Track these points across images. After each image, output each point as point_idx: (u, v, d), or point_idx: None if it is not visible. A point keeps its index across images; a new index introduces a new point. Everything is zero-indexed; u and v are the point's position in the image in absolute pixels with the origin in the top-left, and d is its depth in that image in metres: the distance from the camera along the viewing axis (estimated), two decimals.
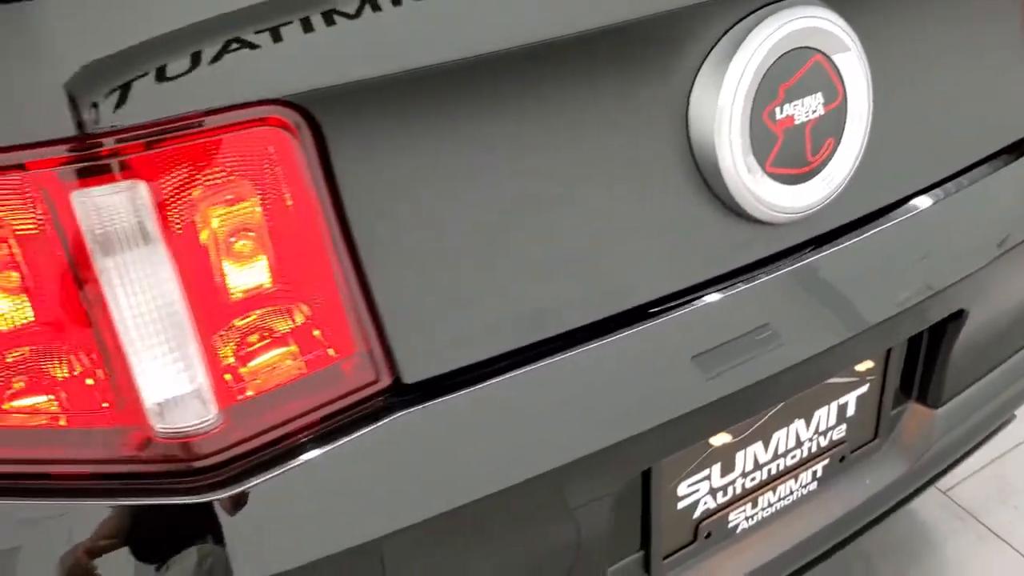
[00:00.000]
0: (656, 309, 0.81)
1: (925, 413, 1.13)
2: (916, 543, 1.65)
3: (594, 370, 0.78)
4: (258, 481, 0.67)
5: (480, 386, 0.74)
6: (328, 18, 0.62)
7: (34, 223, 0.61)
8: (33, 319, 0.64)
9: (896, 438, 1.13)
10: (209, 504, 0.66)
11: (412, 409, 0.72)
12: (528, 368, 0.76)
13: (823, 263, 0.88)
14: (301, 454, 0.69)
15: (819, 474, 1.07)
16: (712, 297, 0.82)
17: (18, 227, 0.62)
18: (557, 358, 0.76)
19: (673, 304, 0.81)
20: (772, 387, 0.87)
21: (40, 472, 0.66)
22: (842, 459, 1.08)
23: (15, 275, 0.63)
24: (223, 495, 0.66)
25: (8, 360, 0.64)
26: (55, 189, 0.60)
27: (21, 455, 0.66)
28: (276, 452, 0.69)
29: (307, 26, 0.61)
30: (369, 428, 0.71)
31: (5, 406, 0.65)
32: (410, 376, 0.72)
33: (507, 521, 0.79)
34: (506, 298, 0.75)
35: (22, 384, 0.65)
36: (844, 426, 1.06)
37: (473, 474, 0.75)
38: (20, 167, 0.60)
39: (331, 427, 0.70)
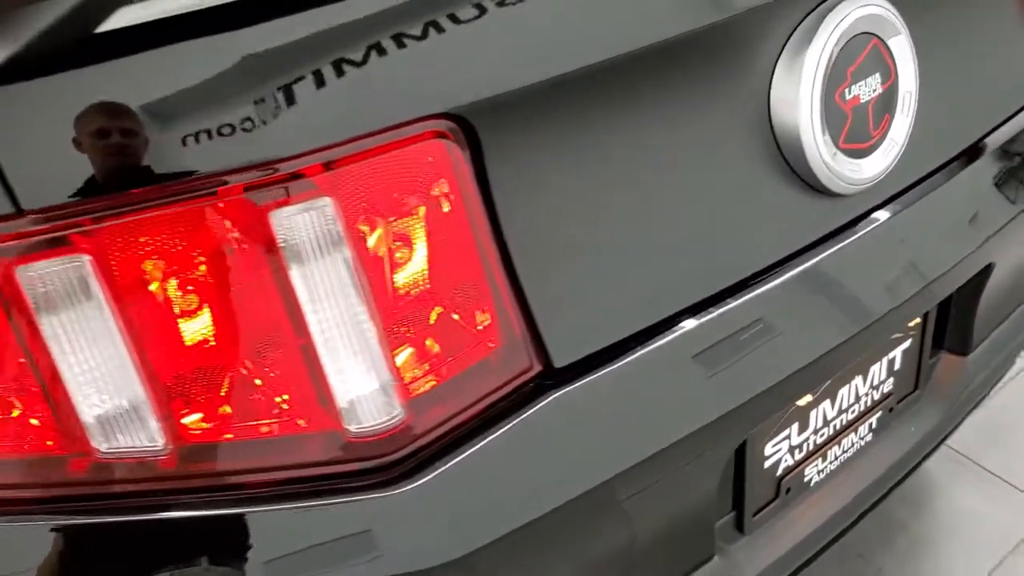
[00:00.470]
0: (755, 281, 0.88)
1: (957, 361, 1.23)
2: (921, 490, 1.77)
3: (711, 342, 0.85)
4: (439, 470, 0.72)
5: (616, 365, 0.80)
6: (486, 32, 0.67)
7: (228, 242, 0.65)
8: (214, 336, 0.67)
9: (933, 387, 1.22)
10: (400, 495, 0.71)
11: (563, 391, 0.77)
12: (654, 345, 0.82)
13: (888, 227, 0.96)
14: (470, 441, 0.74)
15: (873, 426, 1.16)
16: (802, 266, 0.90)
17: (205, 252, 0.65)
18: (679, 333, 0.83)
19: (768, 276, 0.89)
20: (853, 345, 0.94)
21: (252, 481, 0.70)
22: (890, 410, 1.17)
23: (193, 298, 0.67)
24: (411, 486, 0.71)
25: (223, 381, 0.67)
26: (251, 210, 0.64)
27: (231, 467, 0.69)
28: (450, 441, 0.74)
29: (468, 42, 0.67)
30: (526, 412, 0.76)
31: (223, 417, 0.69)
32: (559, 361, 0.77)
33: (639, 490, 0.85)
34: (633, 282, 0.81)
35: (230, 404, 0.68)
36: (892, 379, 1.15)
37: (616, 449, 0.80)
38: (213, 194, 0.64)
39: (494, 414, 0.75)
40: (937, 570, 1.62)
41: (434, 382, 0.73)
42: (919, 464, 1.25)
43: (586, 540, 0.83)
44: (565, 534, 0.80)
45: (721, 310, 0.85)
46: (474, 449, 0.73)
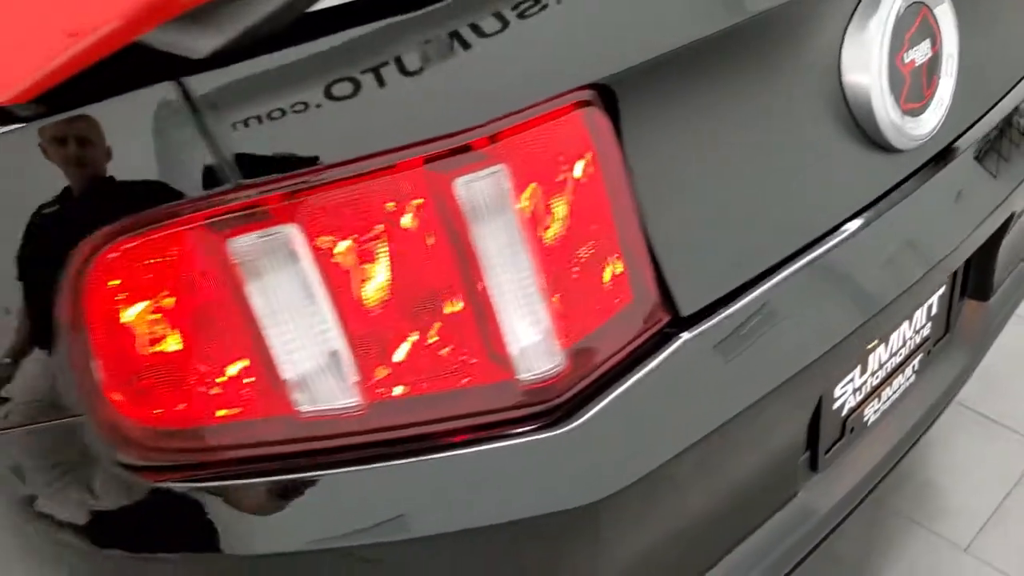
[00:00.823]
0: (838, 231, 0.96)
1: (979, 307, 1.33)
2: (927, 438, 1.88)
3: (808, 287, 0.93)
4: (594, 411, 0.78)
5: (731, 310, 0.87)
6: (632, 4, 0.74)
7: (412, 208, 0.71)
8: (401, 298, 0.73)
9: (959, 331, 1.33)
10: (564, 435, 0.77)
11: (689, 336, 0.84)
12: (762, 291, 0.89)
13: (938, 179, 1.06)
14: (615, 386, 0.80)
15: (916, 367, 1.25)
16: (877, 217, 0.99)
17: (393, 219, 0.71)
18: (782, 280, 0.91)
19: (849, 226, 0.97)
20: (916, 290, 1.04)
21: (435, 432, 0.75)
22: (928, 353, 1.27)
23: (384, 262, 0.72)
24: (573, 426, 0.77)
25: (415, 337, 0.73)
26: (435, 179, 0.70)
27: (419, 419, 0.75)
28: (598, 386, 0.80)
29: (616, 15, 0.74)
30: (659, 358, 0.83)
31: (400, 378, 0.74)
32: (685, 310, 0.85)
33: (751, 430, 0.93)
34: (742, 235, 0.89)
35: (416, 362, 0.74)
36: (929, 324, 1.25)
37: (736, 390, 0.88)
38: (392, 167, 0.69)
39: (632, 361, 0.82)
40: (949, 507, 1.73)
41: (583, 333, 0.79)
42: (948, 404, 1.36)
43: (706, 477, 0.91)
44: (693, 471, 0.87)
45: (811, 258, 0.93)
46: (619, 393, 0.80)
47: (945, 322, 1.29)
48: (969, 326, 1.34)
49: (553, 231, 0.77)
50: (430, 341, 0.74)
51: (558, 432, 0.77)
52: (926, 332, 1.25)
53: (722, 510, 0.96)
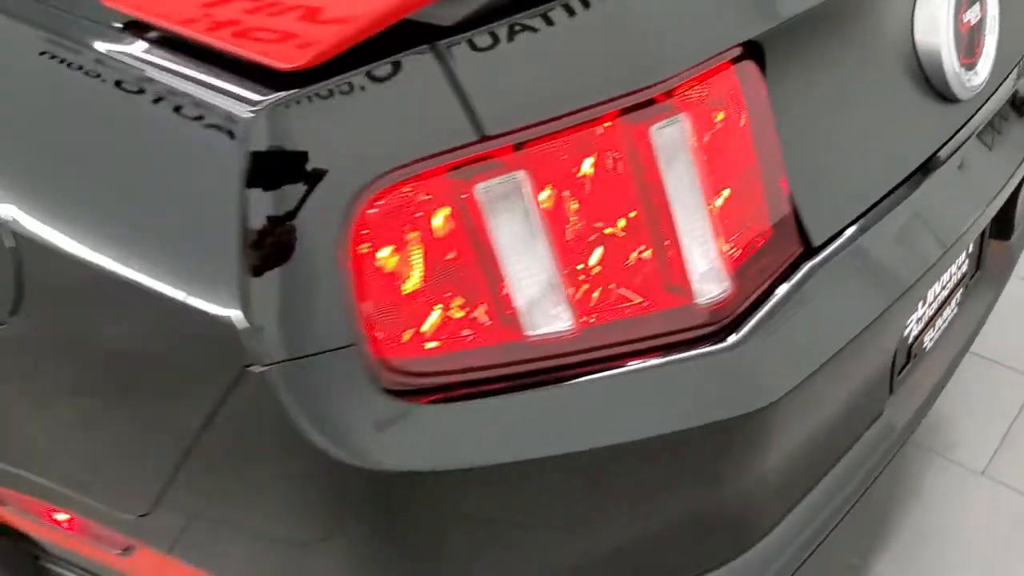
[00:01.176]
0: (919, 173, 1.10)
1: (1003, 246, 1.49)
2: None
3: (905, 221, 1.06)
4: (756, 330, 0.90)
5: (851, 239, 1.00)
6: None
7: (613, 154, 0.82)
8: (609, 232, 0.84)
9: (987, 268, 1.49)
10: (735, 350, 0.89)
11: (820, 262, 0.97)
12: (874, 225, 1.02)
13: (989, 125, 1.21)
14: (760, 305, 0.92)
15: (958, 300, 1.40)
16: (948, 159, 1.13)
17: (599, 163, 0.82)
18: (886, 215, 1.04)
19: (928, 169, 1.11)
20: (974, 227, 1.18)
21: (626, 352, 0.86)
22: (966, 288, 1.43)
23: (593, 203, 0.83)
24: (742, 342, 0.89)
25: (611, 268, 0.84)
26: (633, 128, 0.81)
27: (616, 340, 0.86)
28: (752, 303, 0.92)
29: None
30: (799, 282, 0.95)
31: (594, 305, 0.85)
32: (816, 240, 0.97)
33: (862, 349, 1.05)
34: (855, 173, 1.02)
35: (618, 290, 0.85)
36: (967, 262, 1.40)
37: (858, 311, 1.00)
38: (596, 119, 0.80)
39: (778, 284, 0.94)
40: (961, 437, 1.90)
41: (742, 261, 0.91)
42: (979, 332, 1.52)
43: (831, 393, 1.03)
44: (823, 386, 1.00)
45: (900, 195, 1.07)
46: (773, 313, 0.92)
47: (977, 260, 1.45)
48: (994, 264, 1.50)
49: (718, 172, 0.88)
50: (628, 269, 0.85)
51: (731, 348, 0.88)
52: (964, 268, 1.40)
53: (837, 423, 1.09)
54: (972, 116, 1.20)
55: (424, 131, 0.75)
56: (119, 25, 0.82)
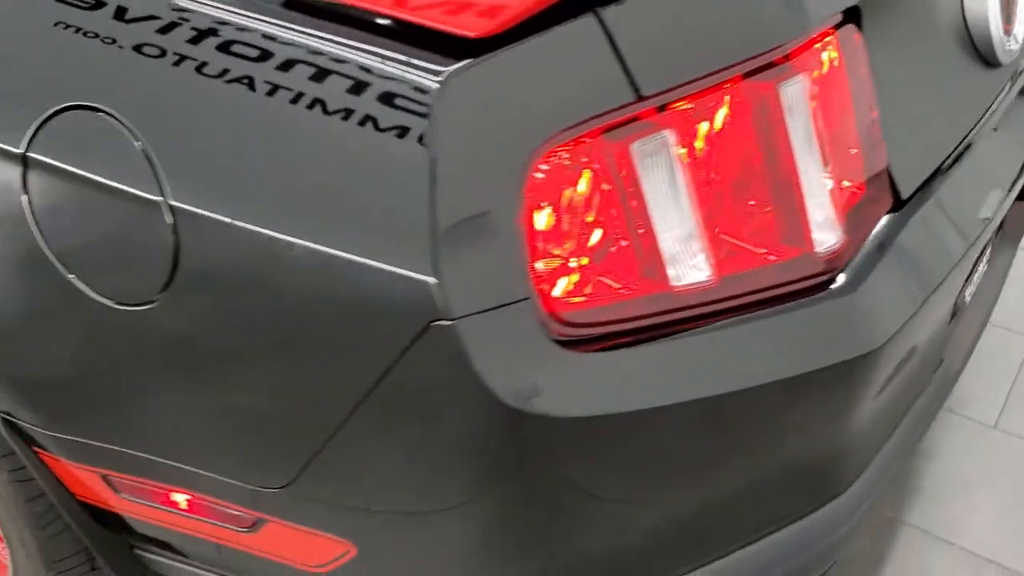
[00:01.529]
0: (974, 131, 1.19)
1: (1020, 205, 1.60)
2: None
3: (962, 180, 1.15)
4: (861, 272, 0.97)
5: (934, 192, 1.08)
6: None
7: (744, 112, 0.88)
8: (737, 187, 0.90)
9: (1007, 229, 1.59)
10: (851, 296, 0.95)
11: (909, 214, 1.04)
12: (946, 182, 1.11)
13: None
14: (866, 253, 1.00)
15: (987, 257, 1.50)
16: (993, 118, 1.22)
17: (731, 121, 0.88)
18: (951, 172, 1.12)
19: (980, 127, 1.20)
20: (1019, 181, 1.28)
21: (757, 300, 0.92)
22: (993, 247, 1.52)
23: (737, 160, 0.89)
24: (857, 288, 0.96)
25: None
26: (763, 87, 0.87)
27: (748, 289, 0.92)
28: (856, 250, 0.99)
29: None
30: (895, 228, 1.03)
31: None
32: (904, 192, 1.05)
33: (940, 297, 1.13)
34: (928, 132, 1.10)
35: (752, 240, 0.91)
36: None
37: (937, 262, 1.08)
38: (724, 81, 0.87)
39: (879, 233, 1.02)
40: (968, 397, 2.01)
41: (847, 212, 0.98)
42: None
43: (916, 339, 1.11)
44: (912, 333, 1.07)
45: (963, 151, 1.16)
46: (879, 262, 0.99)
47: (1002, 221, 1.55)
48: (1013, 225, 1.60)
49: (830, 128, 0.95)
50: (757, 221, 0.91)
51: (846, 293, 0.95)
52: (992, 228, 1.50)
53: (919, 367, 1.17)
54: (1012, 79, 1.30)
55: (588, 94, 0.80)
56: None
